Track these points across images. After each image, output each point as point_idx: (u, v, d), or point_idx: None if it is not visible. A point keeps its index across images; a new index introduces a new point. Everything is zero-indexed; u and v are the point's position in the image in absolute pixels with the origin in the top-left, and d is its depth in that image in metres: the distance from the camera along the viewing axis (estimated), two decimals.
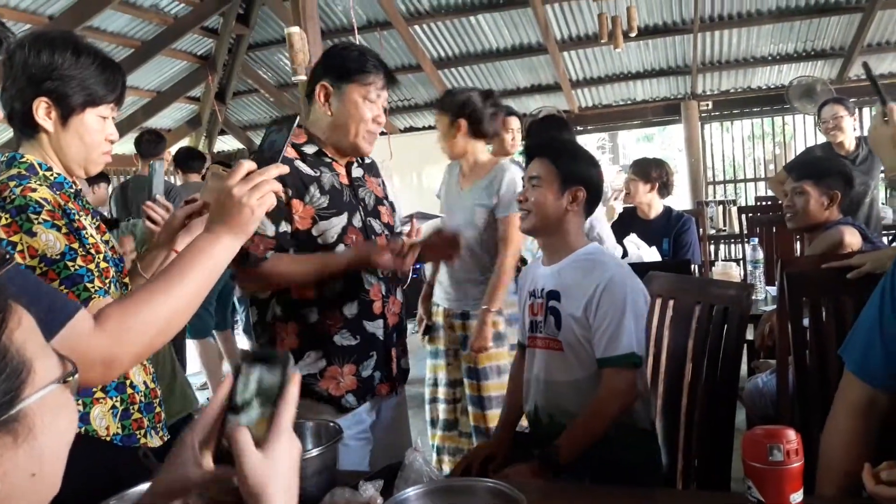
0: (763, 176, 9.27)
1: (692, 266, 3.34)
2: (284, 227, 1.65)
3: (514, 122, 3.85)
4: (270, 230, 1.63)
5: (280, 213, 1.63)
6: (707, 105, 8.24)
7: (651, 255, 3.21)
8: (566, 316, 1.73)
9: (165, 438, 1.78)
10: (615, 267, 1.74)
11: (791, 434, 0.98)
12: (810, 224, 2.58)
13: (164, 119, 8.05)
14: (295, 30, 4.07)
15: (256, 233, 1.55)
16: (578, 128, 8.85)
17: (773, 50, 7.40)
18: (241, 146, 9.08)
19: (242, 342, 5.18)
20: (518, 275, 2.48)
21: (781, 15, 6.74)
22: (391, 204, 1.92)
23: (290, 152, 1.68)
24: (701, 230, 6.32)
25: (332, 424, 1.41)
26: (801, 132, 8.85)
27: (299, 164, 1.69)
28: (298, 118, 1.22)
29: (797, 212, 2.60)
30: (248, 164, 1.11)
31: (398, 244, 1.67)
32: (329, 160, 1.75)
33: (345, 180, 1.77)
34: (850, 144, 3.93)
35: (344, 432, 1.72)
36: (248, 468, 0.74)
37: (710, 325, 1.72)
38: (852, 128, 3.97)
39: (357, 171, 1.82)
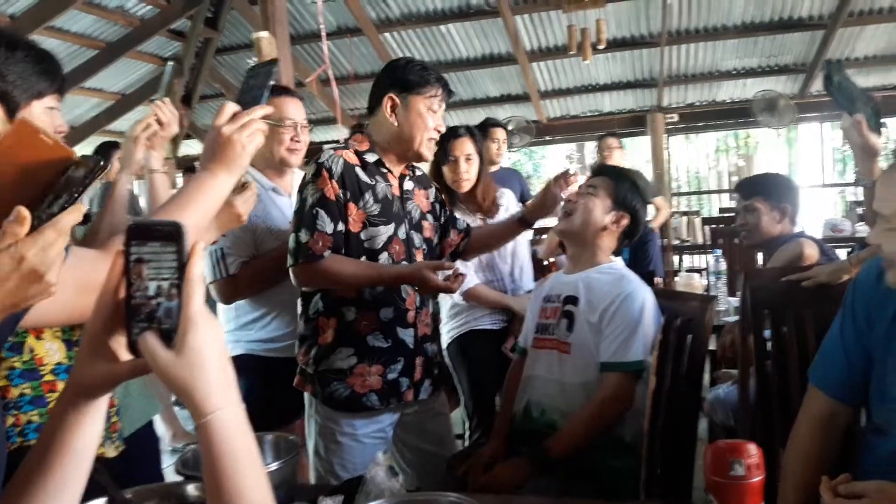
0: (727, 188, 9.44)
1: (655, 278, 3.39)
2: (341, 226, 1.75)
3: (500, 133, 3.90)
4: (329, 227, 1.73)
5: (339, 212, 1.74)
6: (673, 117, 8.37)
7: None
8: (580, 320, 1.81)
9: (121, 449, 1.74)
10: (638, 283, 1.82)
11: (752, 448, 0.99)
12: (765, 239, 2.60)
13: (128, 122, 7.89)
14: (263, 34, 4.04)
15: (317, 229, 1.70)
16: (547, 137, 8.93)
17: (738, 64, 7.54)
18: None
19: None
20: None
21: (746, 30, 6.88)
22: (444, 215, 2.03)
23: (351, 158, 1.80)
24: (665, 240, 6.44)
25: (290, 438, 1.39)
26: (764, 145, 9.03)
27: (358, 170, 1.80)
28: (277, 62, 1.28)
29: (751, 229, 2.62)
30: (231, 106, 1.17)
31: (451, 266, 1.78)
32: (385, 171, 1.85)
33: (396, 192, 1.87)
34: None
35: (359, 430, 1.80)
36: (163, 373, 0.67)
37: (673, 337, 1.74)
38: None
39: (408, 185, 1.91)
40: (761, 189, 2.62)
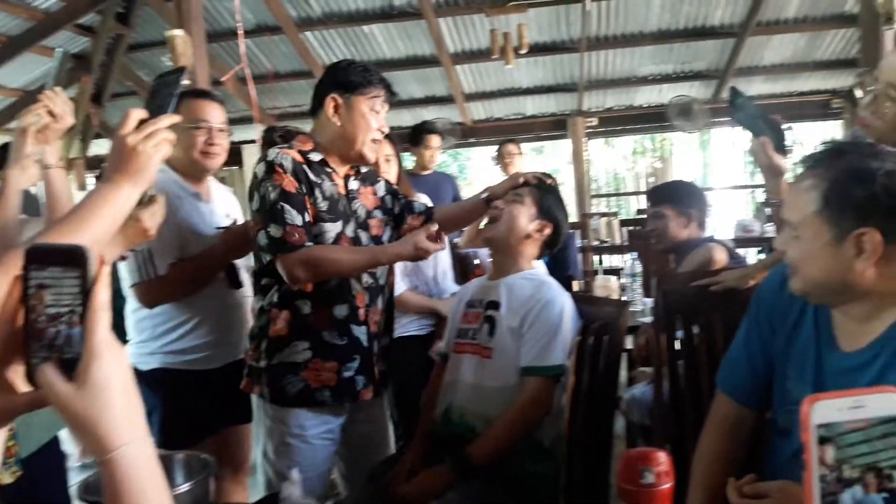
0: (643, 189, 9.72)
1: (573, 282, 3.46)
2: (308, 217, 1.75)
3: (435, 140, 3.93)
4: (298, 220, 1.73)
5: (302, 204, 1.74)
6: (592, 121, 8.58)
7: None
8: (502, 325, 1.81)
9: (18, 474, 1.64)
10: (558, 289, 1.85)
11: (662, 456, 1.01)
12: (674, 244, 2.68)
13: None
14: (178, 33, 3.89)
15: (287, 223, 1.69)
16: (472, 139, 9.00)
17: (654, 70, 7.80)
18: None
19: None
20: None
21: (661, 37, 7.12)
22: (398, 204, 2.05)
23: (297, 157, 1.78)
24: (585, 241, 6.57)
25: (202, 457, 1.35)
26: (679, 148, 9.37)
27: (306, 168, 1.79)
28: (186, 70, 1.23)
29: (659, 234, 2.70)
30: (137, 113, 1.12)
31: (432, 229, 1.80)
32: (330, 170, 1.86)
33: (342, 191, 1.88)
34: None
35: (308, 431, 1.79)
36: (63, 407, 0.62)
37: (590, 341, 1.77)
38: None
39: (353, 184, 1.92)
40: (668, 196, 2.71)
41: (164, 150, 1.13)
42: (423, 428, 1.94)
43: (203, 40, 4.15)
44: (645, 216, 7.42)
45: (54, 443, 2.06)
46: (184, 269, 2.05)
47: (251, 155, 8.48)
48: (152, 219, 1.55)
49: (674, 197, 2.69)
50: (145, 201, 1.49)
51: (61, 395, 0.63)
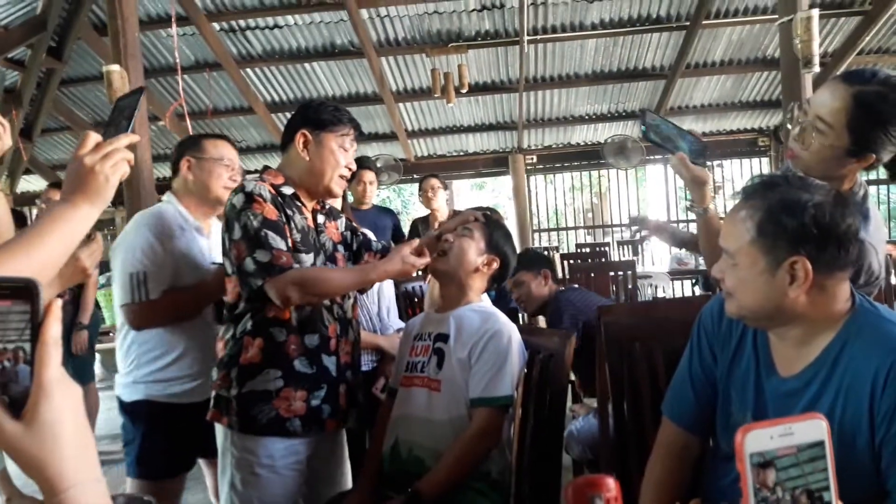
0: (582, 224, 9.94)
1: (519, 314, 3.51)
2: (290, 244, 1.76)
3: (368, 175, 3.93)
4: (282, 245, 1.74)
5: (283, 231, 1.76)
6: (532, 158, 8.77)
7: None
8: (450, 357, 1.82)
9: None
10: (505, 320, 1.87)
11: (611, 482, 1.01)
12: (541, 303, 3.05)
13: None
14: (115, 68, 3.81)
15: (273, 247, 1.71)
16: (415, 175, 9.06)
17: (590, 110, 8.05)
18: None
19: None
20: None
21: (596, 78, 7.37)
22: (356, 241, 2.07)
23: (271, 189, 1.80)
24: None
25: (146, 499, 1.30)
26: (615, 185, 9.64)
27: (279, 200, 1.81)
28: (144, 91, 1.28)
29: (525, 299, 3.05)
30: (94, 136, 1.13)
31: (414, 244, 1.86)
32: (300, 204, 1.89)
33: (311, 224, 1.91)
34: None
35: (277, 461, 1.77)
36: (10, 447, 0.60)
37: (536, 371, 1.79)
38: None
39: (320, 218, 1.96)
40: (522, 264, 2.92)
41: (123, 169, 1.13)
42: (370, 464, 1.91)
43: (141, 76, 4.08)
44: (584, 250, 7.59)
45: None
46: (175, 298, 2.10)
47: None
48: (91, 258, 1.52)
49: (526, 263, 3.02)
50: (83, 240, 1.44)
51: (7, 433, 0.60)
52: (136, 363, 2.16)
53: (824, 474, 0.72)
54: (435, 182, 4.35)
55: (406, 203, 16.66)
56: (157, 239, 2.09)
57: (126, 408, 2.16)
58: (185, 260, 2.14)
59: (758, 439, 0.71)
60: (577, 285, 3.46)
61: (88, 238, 1.53)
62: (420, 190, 4.44)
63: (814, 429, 0.73)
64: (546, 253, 3.36)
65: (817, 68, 3.86)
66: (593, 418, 2.58)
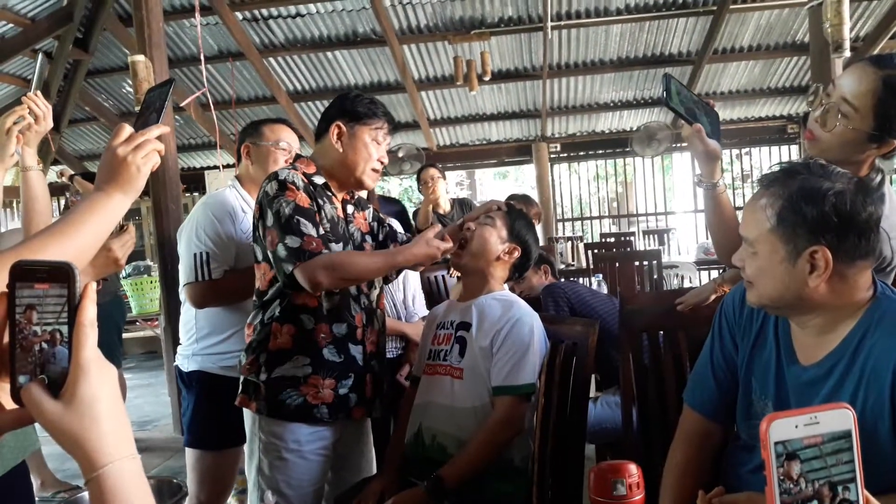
0: (607, 213, 9.87)
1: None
2: (322, 231, 1.79)
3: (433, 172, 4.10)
4: (314, 231, 1.75)
5: (315, 219, 1.78)
6: (556, 147, 8.71)
7: None
8: (473, 345, 1.83)
9: None
10: (527, 309, 1.86)
11: (633, 469, 1.01)
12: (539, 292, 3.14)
13: None
14: (140, 58, 3.85)
15: (304, 233, 1.73)
16: (437, 164, 9.05)
17: (615, 97, 7.97)
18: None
19: None
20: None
21: (621, 65, 7.29)
22: (383, 231, 2.08)
23: (303, 178, 1.83)
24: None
25: (175, 481, 1.32)
26: (640, 173, 9.55)
27: (311, 188, 1.84)
28: (174, 83, 1.30)
29: (527, 291, 3.13)
30: (128, 127, 1.16)
31: (438, 228, 1.87)
32: (330, 194, 1.91)
33: (340, 214, 1.93)
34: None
35: (304, 446, 1.81)
36: (50, 425, 0.62)
37: (559, 360, 1.78)
38: None
39: (349, 208, 1.97)
40: None
41: (154, 160, 1.16)
42: (394, 452, 1.92)
43: (165, 66, 4.12)
44: (609, 240, 7.54)
45: (23, 467, 1.98)
46: (235, 279, 2.17)
47: (214, 180, 8.40)
48: (122, 248, 1.54)
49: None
50: (116, 230, 1.47)
51: (47, 413, 0.62)
52: (195, 337, 2.27)
53: (849, 466, 0.71)
54: (434, 171, 4.36)
55: None
56: (220, 222, 2.17)
57: (183, 377, 2.28)
58: (246, 242, 2.18)
59: (783, 428, 0.70)
60: (571, 279, 3.47)
61: (121, 229, 1.55)
62: (419, 180, 4.44)
63: (840, 418, 0.71)
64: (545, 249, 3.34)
65: (848, 53, 3.77)
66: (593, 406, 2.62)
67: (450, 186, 17.68)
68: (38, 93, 1.70)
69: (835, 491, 0.71)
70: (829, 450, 0.71)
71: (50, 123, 1.70)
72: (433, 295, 3.37)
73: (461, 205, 4.28)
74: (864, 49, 6.37)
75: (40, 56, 1.81)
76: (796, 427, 0.70)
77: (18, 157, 1.67)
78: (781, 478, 0.69)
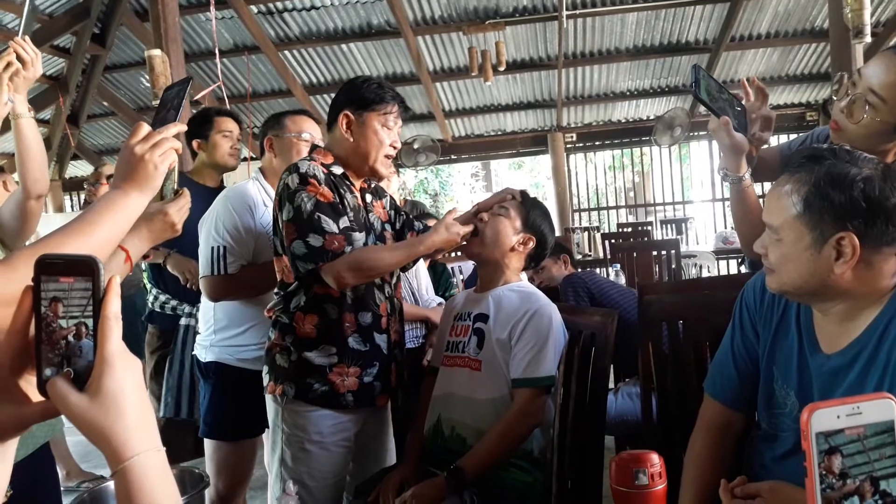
0: (624, 203, 9.82)
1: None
2: (345, 222, 1.77)
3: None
4: (335, 227, 1.74)
5: (338, 210, 1.77)
6: (571, 137, 8.67)
7: None
8: (490, 337, 1.81)
9: (9, 494, 1.59)
10: (545, 300, 1.84)
11: (655, 458, 1.01)
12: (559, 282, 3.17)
13: (7, 143, 7.43)
14: (156, 52, 3.88)
15: (326, 232, 1.72)
16: (453, 156, 9.05)
17: (631, 86, 7.91)
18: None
19: None
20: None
21: (638, 54, 7.22)
22: (400, 220, 2.09)
23: (323, 170, 1.82)
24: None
25: (196, 471, 1.34)
26: (657, 163, 9.48)
27: (332, 179, 1.82)
28: (191, 81, 1.30)
29: (547, 282, 3.17)
30: (145, 126, 1.17)
31: (455, 211, 1.90)
32: (350, 183, 1.89)
33: (360, 203, 1.91)
34: None
35: (327, 438, 1.81)
36: (76, 417, 0.63)
37: (578, 351, 1.77)
38: None
39: (368, 197, 1.96)
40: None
41: (171, 158, 1.17)
42: (414, 443, 1.93)
43: (182, 60, 4.14)
44: (626, 230, 7.49)
45: (46, 450, 2.00)
46: (252, 273, 2.16)
47: (231, 173, 8.43)
48: (179, 213, 1.50)
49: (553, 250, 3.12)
50: (171, 196, 1.45)
51: (73, 405, 0.63)
52: (213, 328, 2.27)
53: (892, 460, 0.69)
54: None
55: (444, 184, 16.64)
56: (239, 215, 2.15)
57: (201, 367, 2.29)
58: (266, 236, 2.17)
59: (824, 418, 0.68)
60: (588, 269, 3.56)
61: (176, 194, 1.51)
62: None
63: (883, 408, 0.69)
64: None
65: (868, 39, 3.71)
66: (613, 397, 2.61)
67: (465, 178, 17.58)
68: (27, 38, 1.65)
69: (876, 485, 0.69)
70: (872, 444, 0.68)
71: (39, 69, 1.66)
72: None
73: (413, 207, 4.17)
74: (884, 34, 6.27)
75: (28, 1, 1.75)
76: (838, 417, 0.68)
77: (11, 104, 1.63)
78: (823, 472, 0.68)
